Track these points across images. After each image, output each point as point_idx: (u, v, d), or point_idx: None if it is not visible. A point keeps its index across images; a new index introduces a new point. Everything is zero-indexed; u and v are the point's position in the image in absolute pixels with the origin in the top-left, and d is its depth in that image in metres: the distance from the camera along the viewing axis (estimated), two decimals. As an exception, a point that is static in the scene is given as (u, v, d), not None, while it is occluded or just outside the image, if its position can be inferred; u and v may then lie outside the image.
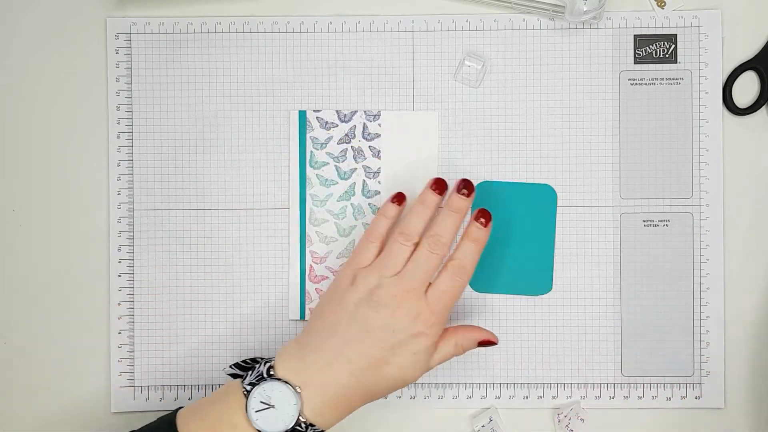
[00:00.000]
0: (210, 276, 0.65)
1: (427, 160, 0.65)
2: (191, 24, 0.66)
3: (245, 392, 0.54)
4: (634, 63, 0.65)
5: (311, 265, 0.65)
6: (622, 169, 0.65)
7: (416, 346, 0.55)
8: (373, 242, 0.59)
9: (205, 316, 0.65)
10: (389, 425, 0.65)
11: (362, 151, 0.65)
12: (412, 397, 0.65)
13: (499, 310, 0.65)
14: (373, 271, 0.57)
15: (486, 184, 0.65)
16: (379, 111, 0.65)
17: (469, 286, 0.65)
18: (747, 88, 0.65)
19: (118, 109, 0.65)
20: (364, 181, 0.65)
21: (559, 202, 0.65)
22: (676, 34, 0.65)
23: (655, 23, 0.65)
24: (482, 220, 0.58)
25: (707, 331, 0.65)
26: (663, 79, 0.65)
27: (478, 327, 0.60)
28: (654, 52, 0.65)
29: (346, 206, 0.65)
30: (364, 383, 0.55)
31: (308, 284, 0.65)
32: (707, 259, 0.65)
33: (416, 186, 0.63)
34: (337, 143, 0.65)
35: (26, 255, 0.66)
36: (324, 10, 0.65)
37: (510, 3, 0.64)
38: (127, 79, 0.66)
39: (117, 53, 0.65)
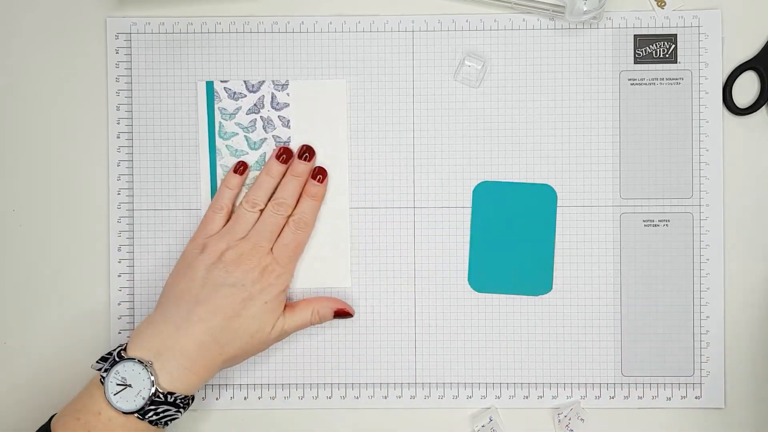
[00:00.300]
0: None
1: (336, 128, 0.65)
2: (191, 24, 0.66)
3: (101, 379, 0.56)
4: (634, 63, 0.65)
5: None
6: (622, 169, 0.65)
7: (267, 296, 0.59)
8: (218, 212, 0.63)
9: (205, 316, 0.65)
10: (389, 425, 0.65)
11: (272, 120, 0.65)
12: (412, 397, 0.65)
13: (499, 310, 0.65)
14: (223, 237, 0.61)
15: (486, 184, 0.65)
16: (287, 80, 0.65)
17: (469, 286, 0.65)
18: (747, 88, 0.65)
19: (118, 109, 0.65)
20: (274, 150, 0.65)
21: (559, 202, 0.65)
22: (676, 34, 0.65)
23: (655, 23, 0.65)
24: (319, 177, 0.63)
25: (707, 331, 0.65)
26: (663, 79, 0.65)
27: (336, 298, 0.64)
28: (654, 52, 0.65)
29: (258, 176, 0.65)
30: (220, 340, 0.57)
31: None
32: (707, 259, 0.65)
33: (326, 154, 0.65)
34: (246, 113, 0.65)
35: (26, 255, 0.66)
36: (324, 10, 0.65)
37: (510, 3, 0.64)
38: (127, 79, 0.66)
39: (117, 53, 0.65)
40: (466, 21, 0.65)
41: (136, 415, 0.55)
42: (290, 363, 0.65)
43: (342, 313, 0.63)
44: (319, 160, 0.65)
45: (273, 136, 0.65)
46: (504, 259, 0.65)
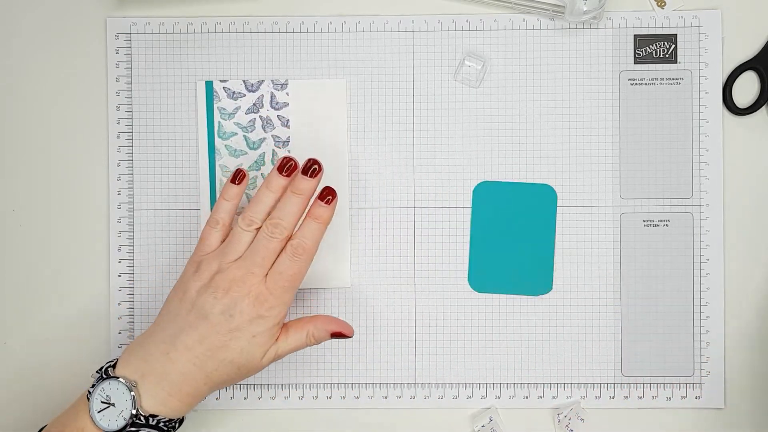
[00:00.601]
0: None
1: (336, 128, 0.65)
2: (191, 24, 0.66)
3: (88, 395, 0.55)
4: (634, 63, 0.65)
5: None
6: (622, 169, 0.65)
7: (256, 329, 0.55)
8: (214, 227, 0.58)
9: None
10: (389, 425, 0.65)
11: (271, 120, 0.65)
12: (412, 397, 0.65)
13: (499, 310, 0.65)
14: (216, 258, 0.56)
15: (486, 184, 0.65)
16: (287, 80, 0.65)
17: (469, 286, 0.65)
18: (747, 88, 0.65)
19: (118, 109, 0.65)
20: (273, 150, 0.65)
21: (559, 202, 0.65)
22: (676, 34, 0.65)
23: (655, 23, 0.65)
24: (328, 197, 0.57)
25: (707, 331, 0.65)
26: (663, 79, 0.65)
27: (334, 318, 0.60)
28: (654, 52, 0.65)
29: (257, 176, 0.65)
30: (205, 370, 0.55)
31: None
32: (707, 259, 0.65)
33: (326, 154, 0.64)
34: (245, 113, 0.65)
35: (26, 255, 0.66)
36: (324, 10, 0.65)
37: (510, 3, 0.64)
38: (127, 79, 0.66)
39: (117, 53, 0.65)
40: (466, 21, 0.65)
41: None
42: (290, 363, 0.65)
43: (339, 335, 0.59)
44: (319, 160, 0.65)
45: (272, 135, 0.65)
46: (504, 259, 0.65)
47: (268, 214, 0.57)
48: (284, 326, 0.58)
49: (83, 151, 0.66)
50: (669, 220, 0.65)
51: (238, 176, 0.59)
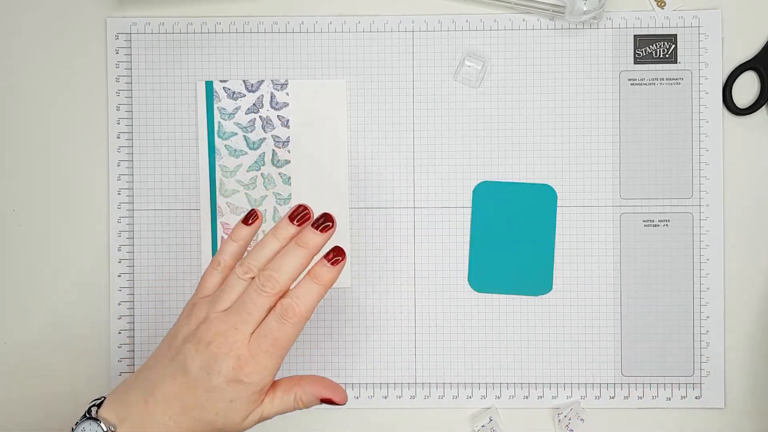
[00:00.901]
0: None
1: (336, 127, 0.65)
2: (191, 24, 0.66)
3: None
4: (634, 63, 0.65)
5: (222, 237, 0.65)
6: (622, 169, 0.65)
7: (233, 394, 0.49)
8: (216, 269, 0.53)
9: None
10: (389, 425, 0.65)
11: (271, 120, 0.65)
12: (412, 397, 0.65)
13: (499, 310, 0.65)
14: (207, 304, 0.51)
15: (486, 184, 0.65)
16: (287, 80, 0.65)
17: (469, 286, 0.65)
18: (747, 88, 0.65)
19: (118, 109, 0.65)
20: (273, 150, 0.65)
21: (559, 202, 0.65)
22: (676, 34, 0.65)
23: (655, 23, 0.65)
24: (336, 258, 0.50)
25: (707, 331, 0.65)
26: (663, 79, 0.65)
27: (325, 381, 0.52)
28: (654, 52, 0.65)
29: (257, 176, 0.65)
30: (181, 426, 0.49)
31: None
32: (707, 259, 0.65)
33: (326, 154, 0.64)
34: (245, 113, 0.65)
35: (26, 255, 0.66)
36: (324, 10, 0.65)
37: (510, 3, 0.64)
38: (127, 79, 0.66)
39: (117, 53, 0.65)
40: (466, 21, 0.65)
41: None
42: (290, 363, 0.65)
43: (329, 402, 0.52)
44: (319, 160, 0.65)
45: (272, 135, 0.65)
46: (504, 259, 0.65)
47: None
48: (273, 385, 0.51)
49: (83, 151, 0.66)
50: (669, 220, 0.65)
51: (251, 217, 0.54)
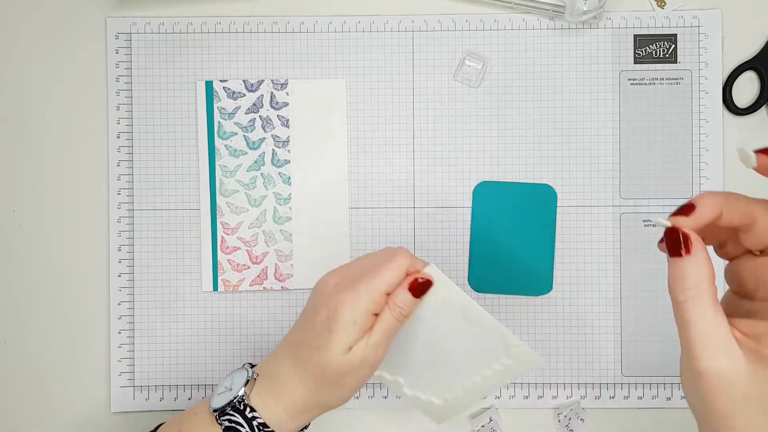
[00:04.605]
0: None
1: (336, 127, 0.65)
2: (191, 24, 0.66)
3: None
4: (634, 63, 0.65)
5: (222, 237, 0.65)
6: (622, 169, 0.65)
7: (332, 324, 0.51)
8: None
9: (205, 316, 0.65)
10: (390, 425, 0.65)
11: (270, 120, 0.65)
12: (412, 397, 0.65)
13: (499, 310, 0.65)
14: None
15: (486, 184, 0.65)
16: (287, 80, 0.65)
17: (469, 286, 0.65)
18: (747, 88, 0.65)
19: (118, 109, 0.65)
20: (273, 150, 0.65)
21: (559, 202, 0.65)
22: (676, 34, 0.65)
23: (655, 23, 0.65)
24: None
25: (707, 331, 0.65)
26: (663, 79, 0.65)
27: (403, 280, 0.53)
28: (654, 52, 0.65)
29: (257, 176, 0.65)
30: (297, 370, 0.52)
31: (220, 255, 0.65)
32: (707, 259, 0.65)
33: (326, 154, 0.65)
34: (245, 113, 0.65)
35: (26, 255, 0.66)
36: (324, 10, 0.65)
37: (510, 3, 0.64)
38: (127, 79, 0.66)
39: (117, 53, 0.66)
40: (466, 21, 0.65)
41: (216, 414, 0.52)
42: (290, 363, 0.65)
43: (416, 286, 0.52)
44: (319, 160, 0.65)
45: (272, 135, 0.65)
46: (504, 259, 0.65)
47: None
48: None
49: (83, 151, 0.66)
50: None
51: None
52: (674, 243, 0.37)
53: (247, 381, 0.53)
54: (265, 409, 0.53)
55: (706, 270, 0.37)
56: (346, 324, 0.51)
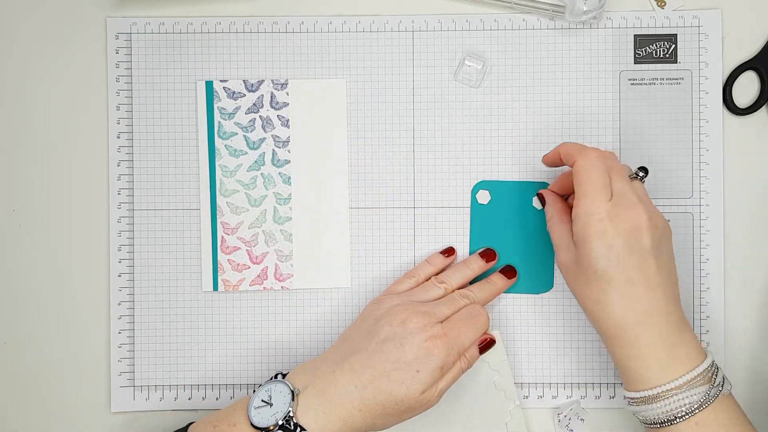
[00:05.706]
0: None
1: (336, 127, 0.65)
2: (191, 24, 0.66)
3: (253, 392, 0.55)
4: (634, 63, 0.65)
5: (222, 237, 0.65)
6: (622, 169, 0.65)
7: (420, 366, 0.55)
8: (410, 278, 0.62)
9: (206, 316, 0.65)
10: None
11: (270, 120, 0.65)
12: (412, 397, 0.65)
13: (500, 309, 0.65)
14: (399, 296, 0.60)
15: (486, 184, 0.65)
16: (287, 80, 0.65)
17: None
18: (747, 88, 0.65)
19: (118, 109, 0.65)
20: (273, 150, 0.65)
21: (559, 202, 0.65)
22: (676, 34, 0.65)
23: (655, 23, 0.65)
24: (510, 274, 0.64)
25: (707, 331, 0.65)
26: (663, 79, 0.65)
27: (477, 335, 0.59)
28: (654, 52, 0.65)
29: (257, 176, 0.65)
30: (363, 396, 0.54)
31: (220, 255, 0.65)
32: (707, 259, 0.65)
33: (326, 154, 0.64)
34: (245, 113, 0.65)
35: (26, 255, 0.66)
36: (324, 10, 0.65)
37: (510, 3, 0.64)
38: (127, 79, 0.66)
39: (117, 53, 0.66)
40: (466, 21, 0.65)
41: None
42: (291, 363, 0.65)
43: (485, 345, 0.59)
44: (319, 160, 0.65)
45: (272, 135, 0.65)
46: (504, 259, 0.65)
47: (460, 284, 0.62)
48: None
49: (83, 151, 0.66)
50: (669, 220, 0.65)
51: (448, 252, 0.64)
52: (541, 199, 0.62)
53: (293, 397, 0.54)
54: (317, 427, 0.54)
55: (556, 209, 0.60)
56: (435, 370, 0.55)
